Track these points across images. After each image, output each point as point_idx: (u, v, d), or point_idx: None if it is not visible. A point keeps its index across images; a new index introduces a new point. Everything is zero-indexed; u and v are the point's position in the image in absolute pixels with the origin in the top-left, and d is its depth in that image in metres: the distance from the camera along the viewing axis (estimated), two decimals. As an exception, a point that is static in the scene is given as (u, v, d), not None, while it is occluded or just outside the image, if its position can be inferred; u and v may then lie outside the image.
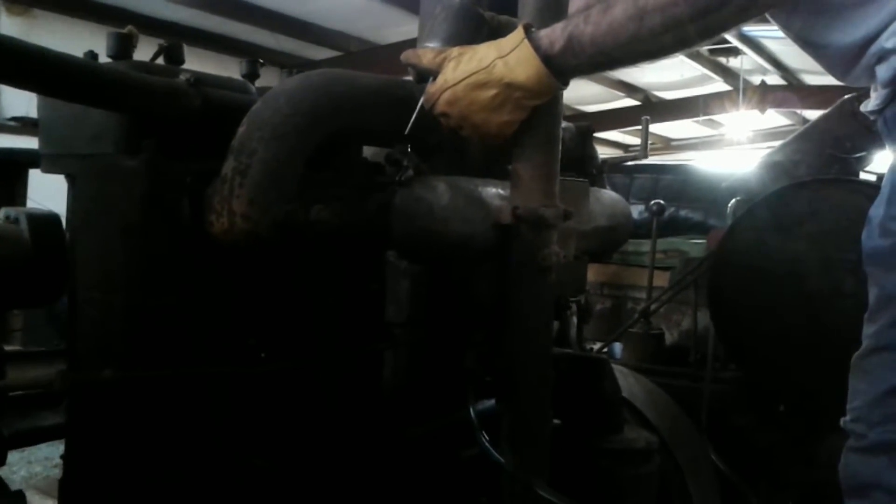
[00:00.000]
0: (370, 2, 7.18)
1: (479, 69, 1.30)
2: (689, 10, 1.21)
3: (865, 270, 1.34)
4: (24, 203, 2.11)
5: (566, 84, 1.33)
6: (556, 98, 1.37)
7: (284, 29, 7.87)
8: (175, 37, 1.50)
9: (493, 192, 1.44)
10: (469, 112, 1.33)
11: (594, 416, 1.73)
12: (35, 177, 1.58)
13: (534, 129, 1.36)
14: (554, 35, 1.29)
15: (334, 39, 8.38)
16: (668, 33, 1.24)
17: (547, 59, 1.28)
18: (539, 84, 1.29)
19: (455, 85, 1.32)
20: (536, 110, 1.34)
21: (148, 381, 1.21)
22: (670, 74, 9.86)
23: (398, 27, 7.39)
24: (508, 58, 1.29)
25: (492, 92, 1.30)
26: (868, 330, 1.34)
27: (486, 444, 1.40)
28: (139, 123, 1.21)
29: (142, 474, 1.23)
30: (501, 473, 1.39)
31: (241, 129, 1.23)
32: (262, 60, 1.51)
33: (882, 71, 1.29)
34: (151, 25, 7.07)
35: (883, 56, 1.29)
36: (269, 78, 1.40)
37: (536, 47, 1.28)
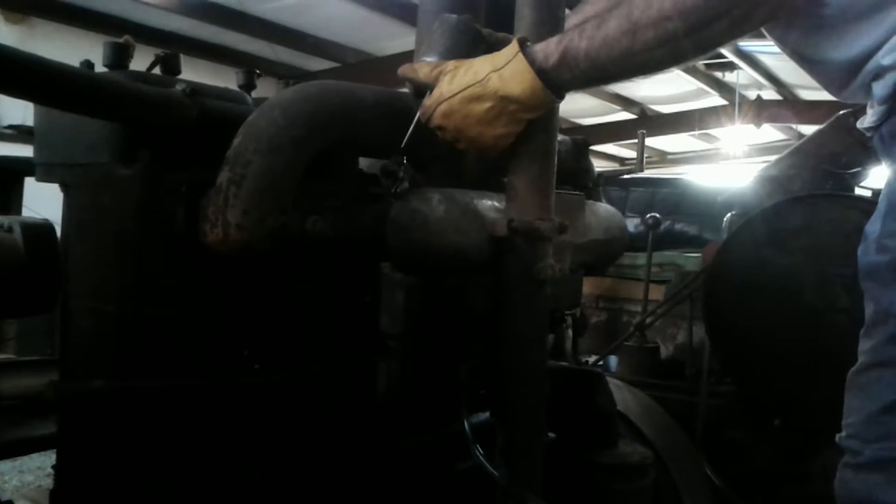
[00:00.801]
0: (368, 13, 7.21)
1: (474, 82, 1.31)
2: (682, 24, 1.21)
3: (861, 286, 1.34)
4: (19, 211, 2.10)
5: (561, 97, 1.33)
6: (552, 111, 1.37)
7: (282, 40, 7.90)
8: (173, 47, 1.50)
9: (489, 204, 1.44)
10: (464, 125, 1.33)
11: (589, 430, 1.73)
12: (31, 185, 1.58)
13: (530, 142, 1.36)
14: (549, 49, 1.29)
15: (332, 51, 8.41)
16: (662, 48, 1.24)
17: (541, 72, 1.28)
18: (533, 97, 1.29)
19: (450, 98, 1.32)
20: (532, 123, 1.34)
21: (140, 392, 1.20)
22: (666, 88, 9.91)
23: (396, 39, 7.42)
24: (503, 71, 1.29)
25: (486, 105, 1.30)
26: (864, 346, 1.34)
27: (481, 457, 1.39)
28: (135, 133, 1.20)
29: (133, 486, 1.22)
30: (495, 487, 1.38)
31: (236, 140, 1.23)
32: (258, 71, 1.51)
33: (878, 88, 1.29)
34: (149, 35, 7.10)
35: (879, 73, 1.29)
36: (266, 89, 1.40)
37: (531, 61, 1.28)
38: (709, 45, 1.27)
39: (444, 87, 1.33)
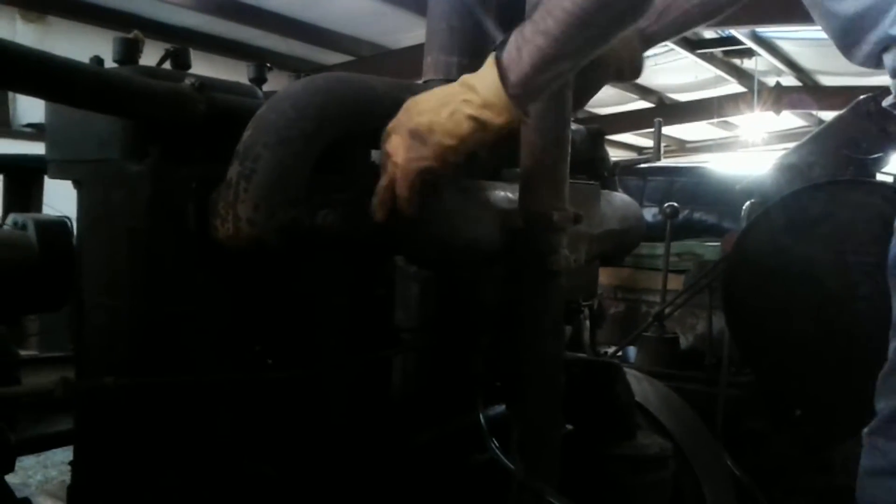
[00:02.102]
0: (382, 6, 7.20)
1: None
2: None
3: (889, 282, 1.31)
4: (39, 208, 2.11)
5: (516, 96, 1.15)
6: (564, 98, 1.34)
7: (295, 34, 7.90)
8: (187, 42, 1.50)
9: (502, 195, 1.42)
10: (414, 111, 1.21)
11: (607, 421, 1.72)
12: (52, 182, 1.58)
13: (542, 131, 1.34)
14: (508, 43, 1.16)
15: (345, 44, 8.41)
16: None
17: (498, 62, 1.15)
18: (491, 83, 1.14)
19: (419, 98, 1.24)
20: (543, 107, 1.29)
21: (154, 388, 1.20)
22: (684, 76, 9.83)
23: (410, 31, 7.40)
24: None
25: (445, 90, 1.20)
26: (893, 344, 1.29)
27: (496, 450, 1.38)
28: (144, 128, 1.20)
29: (148, 481, 1.23)
30: (511, 480, 1.37)
31: (246, 134, 1.22)
32: (269, 64, 1.50)
33: (889, 60, 1.26)
34: (165, 32, 7.12)
35: (889, 44, 1.25)
36: (280, 83, 1.39)
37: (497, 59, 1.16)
38: None
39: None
